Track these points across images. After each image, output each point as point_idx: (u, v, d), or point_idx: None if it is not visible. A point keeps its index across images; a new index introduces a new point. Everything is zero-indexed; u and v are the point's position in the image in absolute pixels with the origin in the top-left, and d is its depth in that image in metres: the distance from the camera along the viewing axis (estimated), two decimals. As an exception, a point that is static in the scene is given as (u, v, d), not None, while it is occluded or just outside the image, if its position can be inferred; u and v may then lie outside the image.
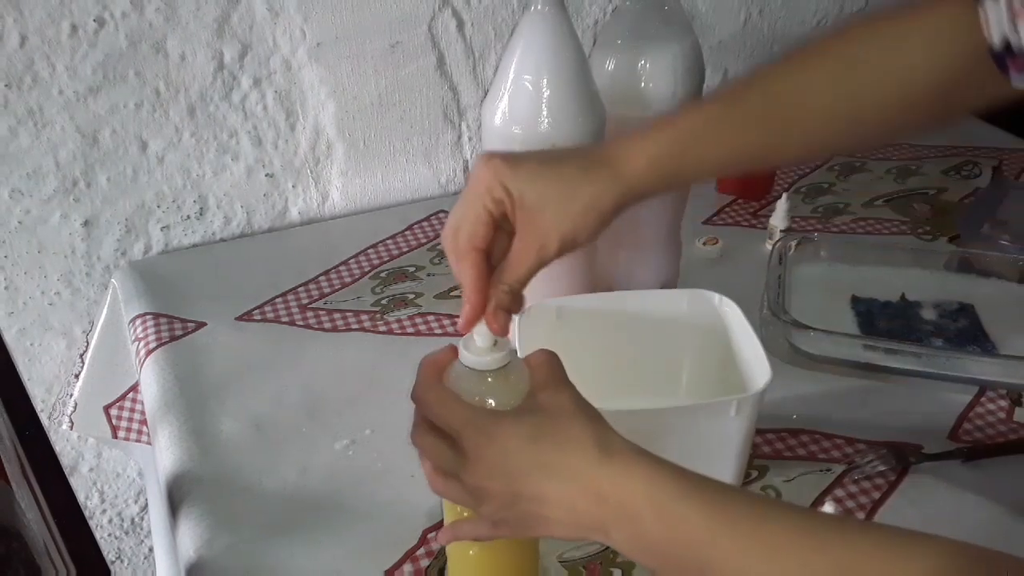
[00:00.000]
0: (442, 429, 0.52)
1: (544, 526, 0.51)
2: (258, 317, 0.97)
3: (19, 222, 1.00)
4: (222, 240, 1.11)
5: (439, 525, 0.72)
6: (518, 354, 0.56)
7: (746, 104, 0.62)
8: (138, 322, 0.96)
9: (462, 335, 0.55)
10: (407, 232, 1.11)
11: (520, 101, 0.78)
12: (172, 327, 0.94)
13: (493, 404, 0.53)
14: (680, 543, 0.47)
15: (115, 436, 1.00)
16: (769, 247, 1.02)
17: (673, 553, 0.47)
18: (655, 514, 0.47)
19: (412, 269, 1.04)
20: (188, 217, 1.08)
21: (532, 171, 0.58)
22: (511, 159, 0.58)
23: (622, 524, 0.48)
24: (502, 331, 0.55)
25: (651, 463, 0.48)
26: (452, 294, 0.99)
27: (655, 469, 0.48)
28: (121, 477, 1.20)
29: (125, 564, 1.27)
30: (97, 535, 1.19)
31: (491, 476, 0.50)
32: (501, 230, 0.59)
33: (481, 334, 0.54)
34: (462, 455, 0.51)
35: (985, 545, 0.70)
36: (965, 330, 0.92)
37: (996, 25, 0.55)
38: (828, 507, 0.70)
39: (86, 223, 1.03)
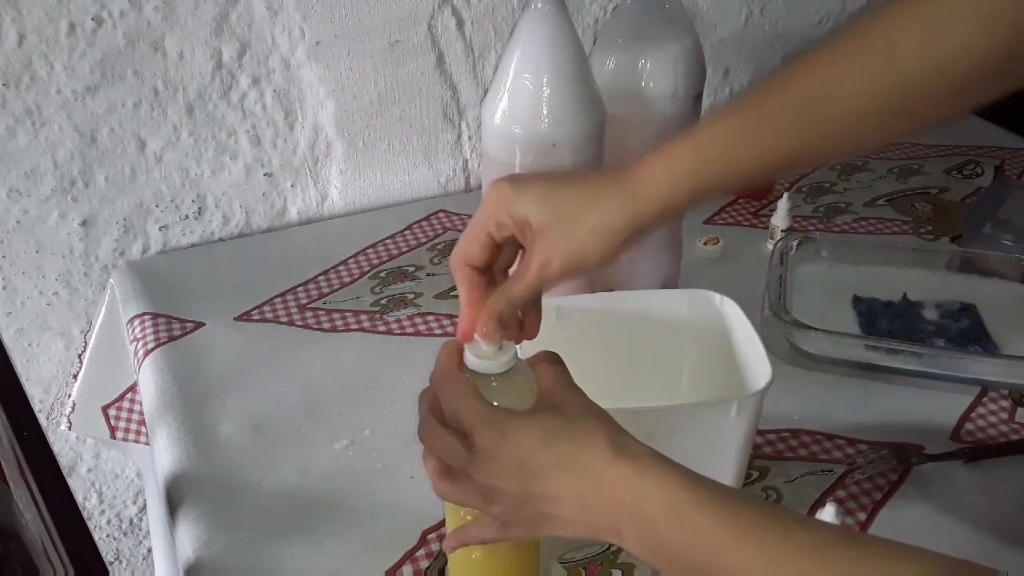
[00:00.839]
0: (450, 425, 0.52)
1: (556, 525, 0.51)
2: (257, 317, 0.96)
3: (17, 222, 1.00)
4: (221, 240, 1.11)
5: (439, 526, 0.72)
6: (518, 354, 0.56)
7: (775, 108, 0.58)
8: (136, 322, 0.96)
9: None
10: (406, 232, 1.11)
11: (520, 100, 0.78)
12: (170, 327, 0.94)
13: (498, 407, 0.53)
14: (689, 546, 0.47)
15: (113, 436, 1.00)
16: (770, 247, 1.02)
17: (681, 556, 0.47)
18: (667, 517, 0.47)
19: (411, 269, 1.04)
20: (186, 217, 1.07)
21: (538, 194, 0.57)
22: (518, 183, 0.58)
23: (634, 525, 0.48)
24: (488, 335, 0.54)
25: (664, 465, 0.49)
26: (452, 294, 0.99)
27: (668, 472, 0.48)
28: (119, 478, 1.20)
29: (123, 565, 1.27)
30: (95, 536, 1.19)
31: (504, 475, 0.50)
32: (517, 249, 0.59)
33: None
34: (473, 452, 0.51)
35: (988, 546, 0.70)
36: (967, 330, 0.92)
37: None
38: (830, 508, 0.70)
39: (84, 223, 1.02)
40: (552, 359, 0.55)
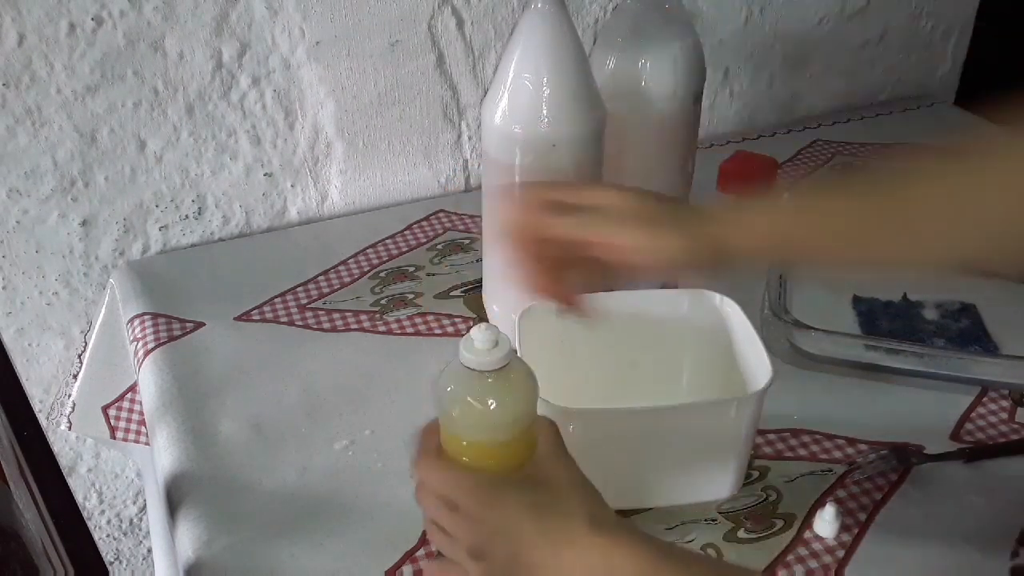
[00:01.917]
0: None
1: None
2: (257, 317, 0.96)
3: (17, 222, 1.00)
4: (220, 240, 1.11)
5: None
6: (518, 354, 0.56)
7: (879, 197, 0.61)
8: (136, 322, 0.96)
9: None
10: (406, 232, 1.11)
11: (520, 100, 0.78)
12: (170, 327, 0.94)
13: (494, 405, 0.53)
14: None
15: (113, 436, 1.00)
16: (770, 247, 1.02)
17: None
18: None
19: (411, 269, 1.04)
20: (186, 217, 1.08)
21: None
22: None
23: None
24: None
25: (635, 538, 0.53)
26: (452, 294, 0.99)
27: (638, 544, 0.52)
28: (119, 478, 1.20)
29: (123, 565, 1.27)
30: (95, 536, 1.19)
31: (492, 538, 0.54)
32: None
33: (480, 334, 0.54)
34: (463, 517, 0.55)
35: (987, 545, 0.70)
36: (967, 330, 0.92)
37: None
38: (830, 508, 0.70)
39: (84, 223, 1.02)
40: (550, 427, 0.58)
